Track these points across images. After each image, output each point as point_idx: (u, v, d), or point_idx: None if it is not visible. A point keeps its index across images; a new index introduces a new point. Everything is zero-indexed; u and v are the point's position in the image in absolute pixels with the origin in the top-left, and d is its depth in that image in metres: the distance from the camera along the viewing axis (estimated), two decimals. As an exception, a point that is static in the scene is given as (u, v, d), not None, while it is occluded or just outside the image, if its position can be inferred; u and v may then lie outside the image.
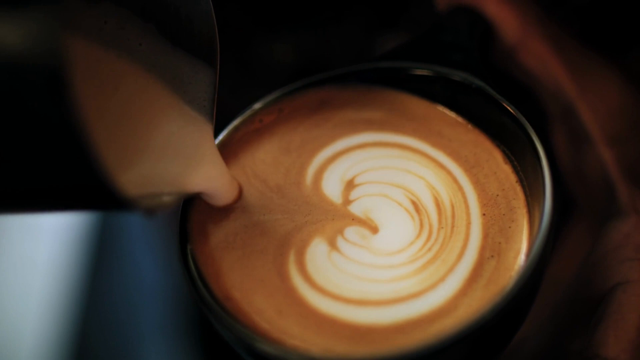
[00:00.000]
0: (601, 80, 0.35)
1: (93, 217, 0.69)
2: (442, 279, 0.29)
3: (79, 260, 0.72)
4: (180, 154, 0.29)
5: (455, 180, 0.33)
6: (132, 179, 0.25)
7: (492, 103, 0.33)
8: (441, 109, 0.36)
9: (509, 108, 0.32)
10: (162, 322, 0.63)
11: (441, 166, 0.34)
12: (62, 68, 0.20)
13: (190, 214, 0.32)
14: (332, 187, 0.34)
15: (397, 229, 0.32)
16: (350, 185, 0.34)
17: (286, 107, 0.36)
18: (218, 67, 0.30)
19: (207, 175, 0.29)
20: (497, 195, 0.32)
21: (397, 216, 0.32)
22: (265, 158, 0.35)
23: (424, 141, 0.35)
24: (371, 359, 0.26)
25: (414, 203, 0.33)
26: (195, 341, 0.61)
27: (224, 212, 0.33)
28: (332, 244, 0.31)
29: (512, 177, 0.33)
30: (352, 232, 0.32)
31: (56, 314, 0.72)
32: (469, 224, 0.31)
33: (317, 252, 0.31)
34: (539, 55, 0.35)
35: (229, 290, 0.30)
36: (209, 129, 0.31)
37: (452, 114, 0.35)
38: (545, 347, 0.32)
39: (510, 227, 0.31)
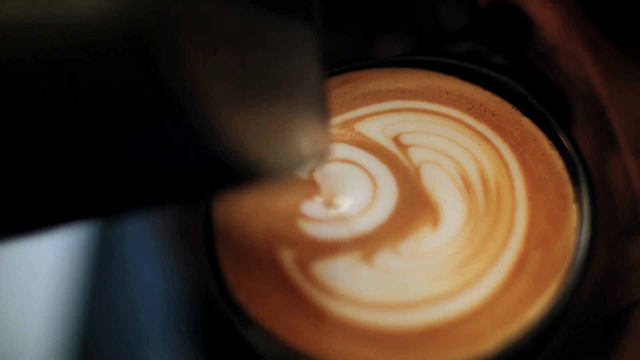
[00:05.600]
0: (634, 88, 0.33)
1: (94, 222, 0.68)
2: (480, 274, 0.27)
3: (81, 264, 0.71)
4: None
5: (500, 156, 0.30)
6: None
7: (533, 113, 0.31)
8: (481, 88, 0.32)
9: (556, 130, 0.30)
10: (165, 326, 0.63)
11: (486, 139, 0.30)
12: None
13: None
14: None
15: (450, 220, 0.28)
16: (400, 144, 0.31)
17: None
18: (320, 22, 0.27)
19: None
20: (545, 178, 0.29)
21: (453, 200, 0.29)
22: None
23: (466, 113, 0.31)
24: None
25: (464, 179, 0.29)
26: (198, 345, 0.61)
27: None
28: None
29: (560, 163, 0.29)
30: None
31: (59, 319, 0.72)
32: (514, 208, 0.28)
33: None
34: (576, 58, 0.33)
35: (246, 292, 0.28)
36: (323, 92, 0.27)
37: (494, 95, 0.32)
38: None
39: (558, 214, 0.28)
